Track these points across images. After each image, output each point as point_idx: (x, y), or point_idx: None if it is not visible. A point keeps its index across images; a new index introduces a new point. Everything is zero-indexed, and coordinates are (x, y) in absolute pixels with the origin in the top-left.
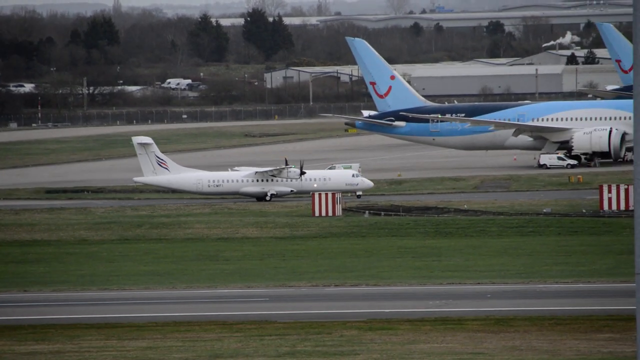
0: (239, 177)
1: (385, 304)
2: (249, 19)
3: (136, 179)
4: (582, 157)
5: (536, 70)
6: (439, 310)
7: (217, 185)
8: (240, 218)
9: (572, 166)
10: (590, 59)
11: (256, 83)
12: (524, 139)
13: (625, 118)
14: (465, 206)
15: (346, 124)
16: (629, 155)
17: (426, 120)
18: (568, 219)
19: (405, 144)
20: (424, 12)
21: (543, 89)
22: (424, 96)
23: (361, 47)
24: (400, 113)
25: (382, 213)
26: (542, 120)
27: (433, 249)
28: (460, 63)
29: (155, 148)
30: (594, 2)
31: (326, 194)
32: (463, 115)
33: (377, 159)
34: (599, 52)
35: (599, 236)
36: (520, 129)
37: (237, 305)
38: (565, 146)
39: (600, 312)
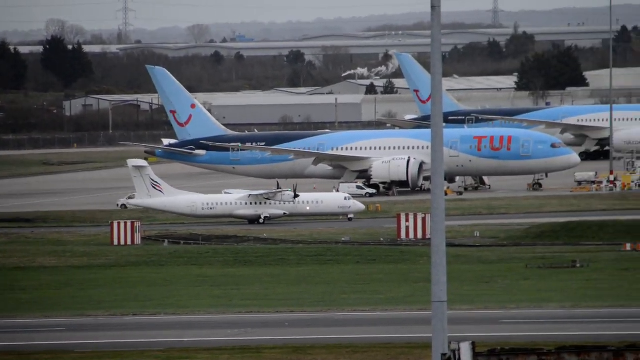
0: (233, 199)
1: (184, 333)
2: (48, 46)
3: (131, 201)
4: (381, 186)
5: (336, 99)
6: (237, 339)
7: (211, 208)
8: (37, 247)
9: (371, 195)
10: (389, 89)
11: (55, 111)
12: (324, 167)
13: (423, 148)
14: (265, 235)
15: (146, 152)
16: (427, 185)
17: (226, 149)
18: (366, 248)
19: (207, 172)
20: (224, 41)
21: (343, 118)
22: (224, 125)
23: (162, 75)
24: (201, 142)
25: (182, 242)
26: (342, 149)
27: (232, 277)
28: (261, 92)
29: (150, 171)
30: (393, 33)
31: (125, 223)
32: (263, 144)
33: (177, 187)
34: (398, 82)
35: (396, 264)
36: (319, 158)
37: (33, 335)
38: (364, 175)
39: (397, 339)
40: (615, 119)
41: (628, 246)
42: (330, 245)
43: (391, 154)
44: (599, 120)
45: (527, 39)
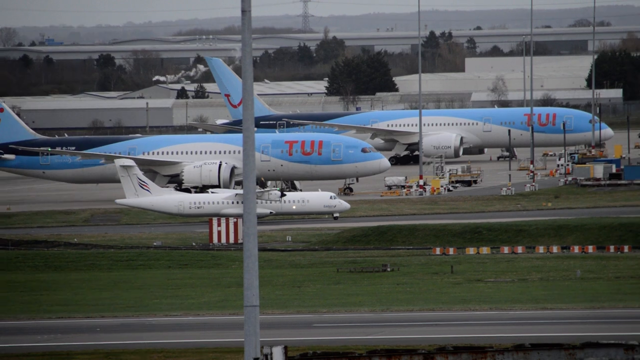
0: (220, 199)
1: None
2: None
3: (118, 201)
4: (193, 190)
5: (147, 103)
6: (47, 345)
7: (199, 207)
8: None
9: None
10: (200, 93)
11: None
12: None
13: (234, 152)
14: (76, 240)
15: None
16: (238, 189)
17: (36, 153)
18: (178, 252)
19: (16, 177)
20: (33, 44)
21: (154, 123)
22: (34, 129)
23: None
24: (10, 146)
25: None
26: (153, 153)
27: (43, 282)
28: (71, 96)
29: (137, 170)
30: (203, 37)
31: None
32: (74, 148)
33: None
34: (209, 87)
35: (208, 269)
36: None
37: None
38: (175, 180)
39: (209, 344)
40: (424, 124)
41: (437, 250)
42: (141, 250)
43: (202, 158)
44: (408, 125)
45: (337, 43)
